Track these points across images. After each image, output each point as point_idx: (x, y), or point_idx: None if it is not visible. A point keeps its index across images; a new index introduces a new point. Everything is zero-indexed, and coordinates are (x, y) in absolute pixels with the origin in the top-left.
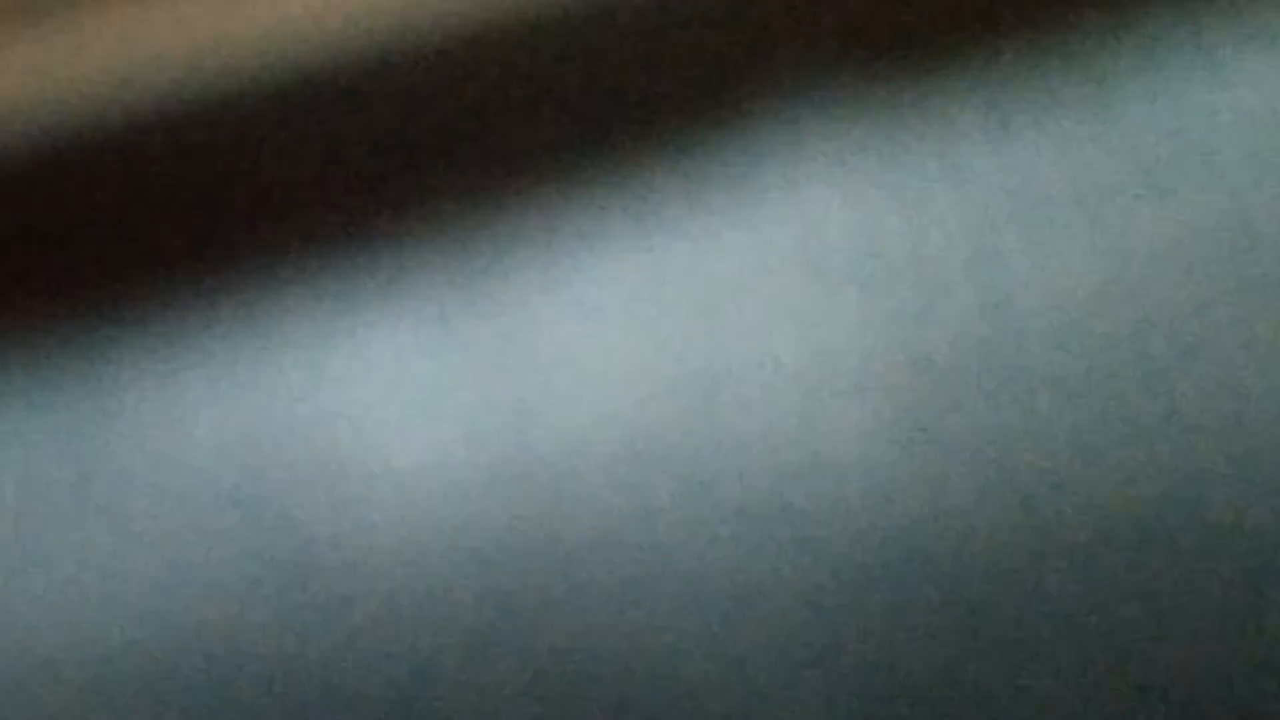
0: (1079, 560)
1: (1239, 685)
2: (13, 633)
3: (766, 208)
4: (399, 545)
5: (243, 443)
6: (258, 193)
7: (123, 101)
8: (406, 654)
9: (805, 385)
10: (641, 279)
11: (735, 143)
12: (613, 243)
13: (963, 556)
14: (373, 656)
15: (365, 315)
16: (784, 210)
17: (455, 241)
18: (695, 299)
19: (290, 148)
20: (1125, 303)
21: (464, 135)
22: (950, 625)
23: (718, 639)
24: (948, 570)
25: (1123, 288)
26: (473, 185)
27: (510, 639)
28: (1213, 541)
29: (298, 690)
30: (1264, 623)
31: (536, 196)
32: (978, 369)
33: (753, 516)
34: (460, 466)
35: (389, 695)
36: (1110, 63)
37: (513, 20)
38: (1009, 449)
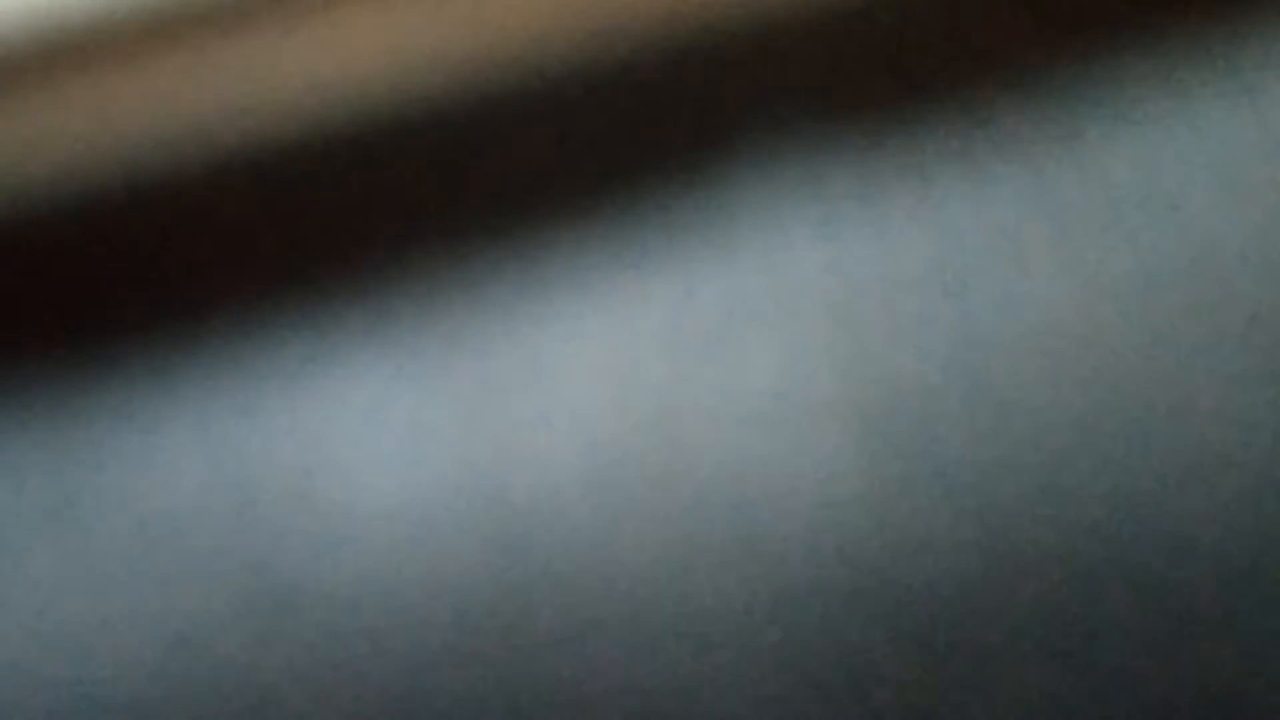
0: (1052, 589)
1: (1212, 713)
2: None
3: (743, 248)
4: (378, 585)
5: (221, 484)
6: (238, 233)
7: (112, 152)
8: (386, 694)
9: (781, 421)
10: (619, 318)
11: (713, 182)
12: (591, 283)
13: (936, 587)
14: (351, 697)
15: (344, 356)
16: (760, 250)
17: (434, 285)
18: (674, 337)
19: (269, 191)
20: (1096, 338)
21: (443, 180)
22: (924, 655)
23: (694, 672)
24: (921, 601)
25: (1093, 323)
26: (451, 230)
27: (488, 676)
28: (1188, 570)
29: None
30: (1238, 651)
31: (514, 239)
32: (951, 405)
33: (730, 551)
34: (439, 506)
35: None
36: (1082, 107)
37: (492, 67)
38: (982, 483)
